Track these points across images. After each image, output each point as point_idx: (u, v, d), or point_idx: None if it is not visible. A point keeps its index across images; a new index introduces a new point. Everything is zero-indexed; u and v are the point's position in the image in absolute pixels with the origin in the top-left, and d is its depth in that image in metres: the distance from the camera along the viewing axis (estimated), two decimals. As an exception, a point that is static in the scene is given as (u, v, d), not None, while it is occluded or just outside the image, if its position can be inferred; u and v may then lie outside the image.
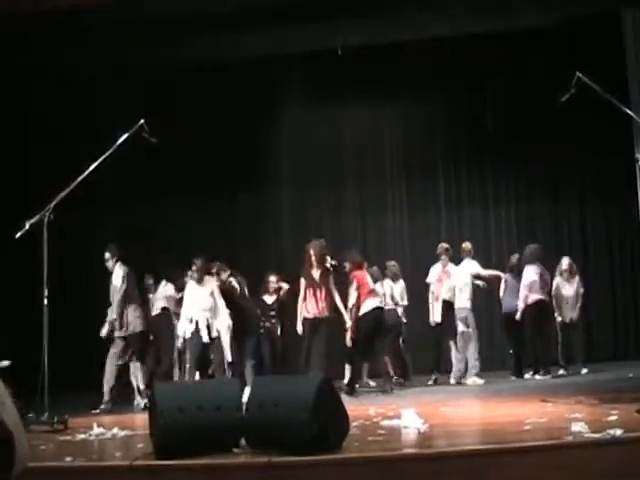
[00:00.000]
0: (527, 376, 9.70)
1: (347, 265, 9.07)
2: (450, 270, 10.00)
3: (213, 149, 11.69)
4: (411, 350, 10.18)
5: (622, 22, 9.41)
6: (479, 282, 10.10)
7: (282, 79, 11.47)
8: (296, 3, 8.89)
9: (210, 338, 8.58)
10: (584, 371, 9.77)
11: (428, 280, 10.11)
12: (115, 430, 5.54)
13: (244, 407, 4.51)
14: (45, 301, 6.42)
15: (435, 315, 9.89)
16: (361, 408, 6.30)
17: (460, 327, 9.79)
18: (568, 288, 10.05)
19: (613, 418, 4.68)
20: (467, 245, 10.19)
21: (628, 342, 11.79)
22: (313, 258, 8.87)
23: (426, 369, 10.03)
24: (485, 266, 10.39)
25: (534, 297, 9.65)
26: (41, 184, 7.49)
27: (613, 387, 7.44)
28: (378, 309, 8.97)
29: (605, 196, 11.67)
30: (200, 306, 8.59)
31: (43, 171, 9.65)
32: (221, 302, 8.78)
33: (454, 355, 9.87)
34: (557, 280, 10.08)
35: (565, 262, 10.10)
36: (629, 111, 6.70)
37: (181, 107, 11.25)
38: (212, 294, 8.69)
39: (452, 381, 9.72)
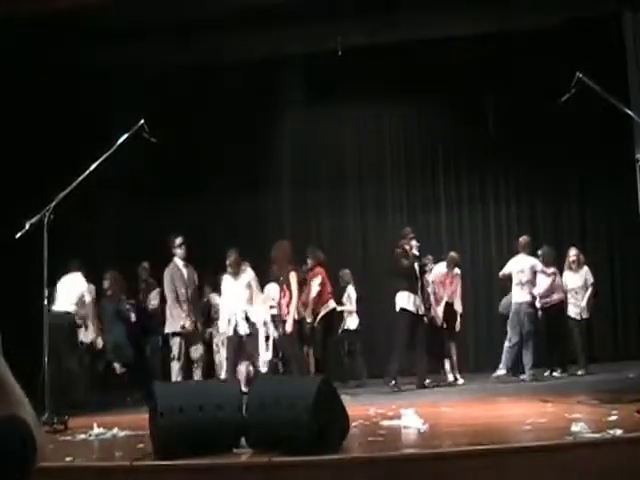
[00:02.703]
0: (545, 374, 9.70)
1: (309, 262, 9.41)
2: (457, 274, 9.97)
3: (213, 149, 11.68)
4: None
5: (623, 23, 9.43)
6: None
7: (282, 79, 11.46)
8: (296, 3, 8.89)
9: (247, 332, 8.47)
10: (584, 371, 9.77)
11: (431, 279, 9.86)
12: (115, 430, 5.53)
13: (244, 407, 4.51)
14: (45, 301, 6.42)
15: (438, 318, 9.80)
16: (361, 408, 6.29)
17: (526, 324, 9.48)
18: (576, 279, 10.06)
19: (613, 418, 4.68)
20: (524, 239, 9.97)
21: (628, 342, 11.78)
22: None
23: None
24: (483, 266, 10.37)
25: (557, 297, 9.89)
26: (41, 184, 7.49)
27: (613, 387, 7.43)
28: (334, 311, 9.40)
29: (605, 197, 11.66)
30: (237, 300, 8.48)
31: (43, 171, 9.65)
32: (258, 293, 8.69)
33: (455, 356, 9.84)
34: (565, 273, 10.10)
35: (572, 252, 10.13)
36: (629, 111, 6.69)
37: (181, 107, 11.24)
38: (249, 285, 8.60)
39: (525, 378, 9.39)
